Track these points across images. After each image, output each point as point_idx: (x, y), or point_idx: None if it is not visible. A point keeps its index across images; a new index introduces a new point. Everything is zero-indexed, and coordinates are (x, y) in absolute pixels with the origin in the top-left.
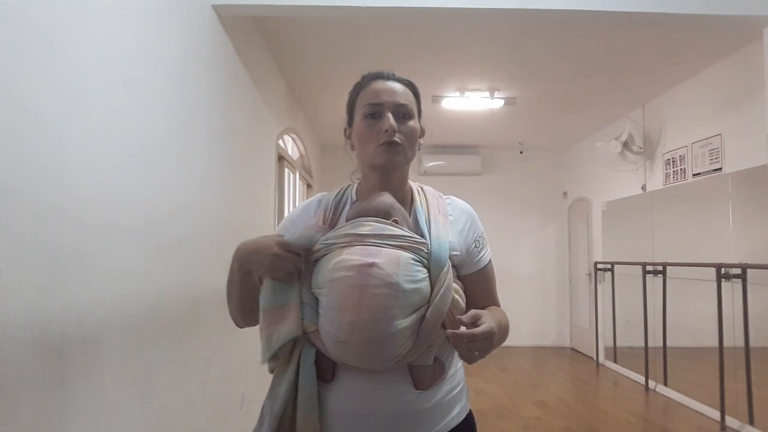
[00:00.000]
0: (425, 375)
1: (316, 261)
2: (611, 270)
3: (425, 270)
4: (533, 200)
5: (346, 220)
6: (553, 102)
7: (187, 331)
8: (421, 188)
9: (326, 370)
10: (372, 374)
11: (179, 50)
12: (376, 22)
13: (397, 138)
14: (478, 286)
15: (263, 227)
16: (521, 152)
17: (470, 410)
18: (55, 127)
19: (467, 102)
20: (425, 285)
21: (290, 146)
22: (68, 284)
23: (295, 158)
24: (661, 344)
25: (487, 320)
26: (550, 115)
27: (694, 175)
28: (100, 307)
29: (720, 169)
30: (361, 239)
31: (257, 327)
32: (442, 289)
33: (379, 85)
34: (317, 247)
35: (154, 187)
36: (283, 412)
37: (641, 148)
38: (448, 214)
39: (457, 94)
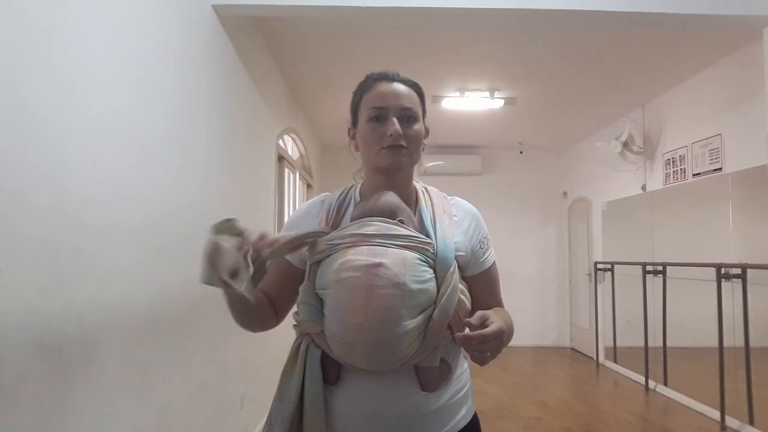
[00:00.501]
0: (432, 376)
1: (321, 261)
2: (611, 270)
3: (431, 270)
4: (533, 200)
5: (351, 220)
6: (553, 102)
7: (187, 331)
8: (426, 189)
9: (331, 372)
10: (378, 376)
11: (179, 50)
12: (376, 22)
13: (402, 142)
14: (483, 287)
15: (263, 227)
16: (521, 152)
17: (475, 412)
18: (55, 127)
19: (467, 102)
20: (432, 285)
21: (290, 146)
22: (68, 284)
23: (295, 158)
24: (661, 344)
25: (495, 320)
26: (550, 115)
27: (694, 175)
28: (100, 307)
29: (720, 169)
30: (366, 239)
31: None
32: (449, 290)
33: (384, 87)
34: (322, 247)
35: (154, 187)
36: (292, 414)
37: (641, 148)
38: (452, 214)
39: (457, 94)
